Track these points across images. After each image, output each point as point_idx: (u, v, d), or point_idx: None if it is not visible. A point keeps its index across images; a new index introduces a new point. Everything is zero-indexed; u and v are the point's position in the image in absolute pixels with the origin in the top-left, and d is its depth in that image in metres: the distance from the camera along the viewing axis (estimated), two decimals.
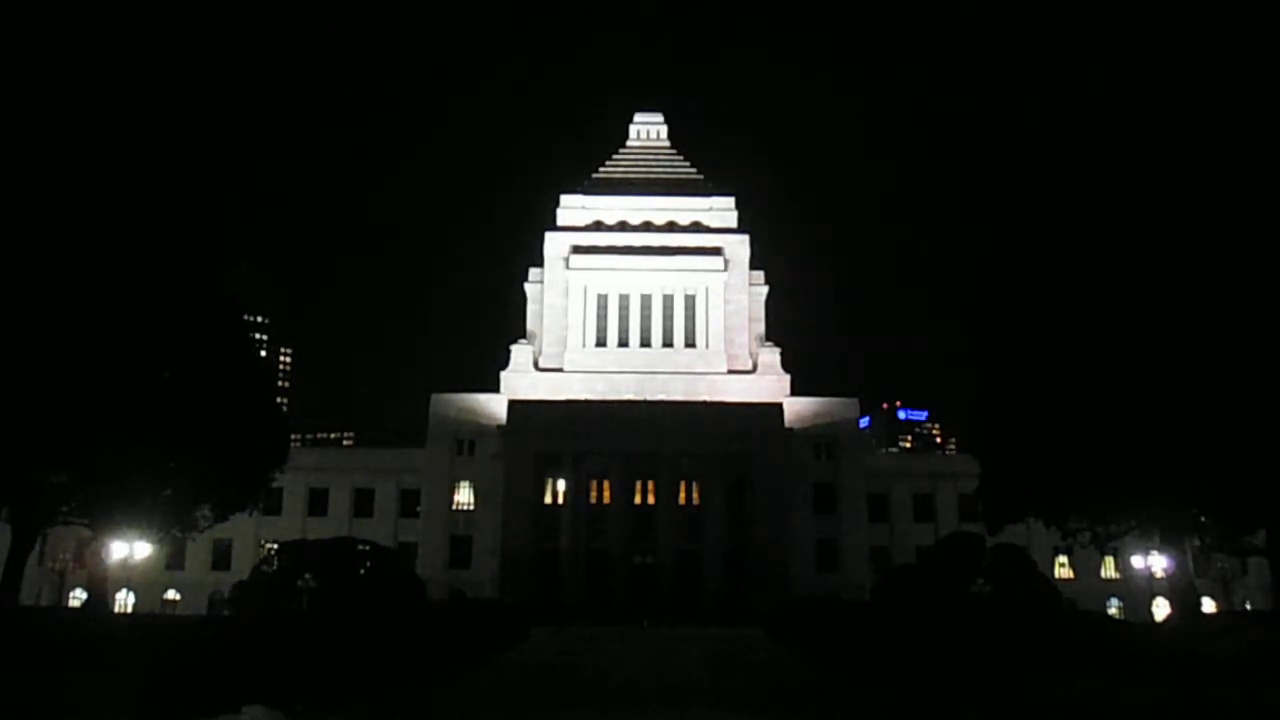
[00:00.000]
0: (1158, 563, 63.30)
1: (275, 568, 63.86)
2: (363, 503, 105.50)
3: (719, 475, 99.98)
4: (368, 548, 67.40)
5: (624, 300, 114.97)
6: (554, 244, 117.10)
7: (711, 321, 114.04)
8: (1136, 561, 69.91)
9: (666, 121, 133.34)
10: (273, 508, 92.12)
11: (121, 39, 50.46)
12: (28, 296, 42.99)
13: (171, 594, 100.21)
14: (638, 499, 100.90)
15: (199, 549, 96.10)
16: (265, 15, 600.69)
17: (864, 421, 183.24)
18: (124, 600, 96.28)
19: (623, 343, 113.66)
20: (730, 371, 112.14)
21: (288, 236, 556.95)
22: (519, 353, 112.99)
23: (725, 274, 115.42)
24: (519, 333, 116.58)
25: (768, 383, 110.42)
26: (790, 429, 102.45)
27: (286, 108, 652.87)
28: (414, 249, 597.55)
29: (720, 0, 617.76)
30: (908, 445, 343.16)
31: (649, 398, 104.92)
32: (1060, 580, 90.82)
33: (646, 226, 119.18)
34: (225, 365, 53.18)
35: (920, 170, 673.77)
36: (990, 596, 60.12)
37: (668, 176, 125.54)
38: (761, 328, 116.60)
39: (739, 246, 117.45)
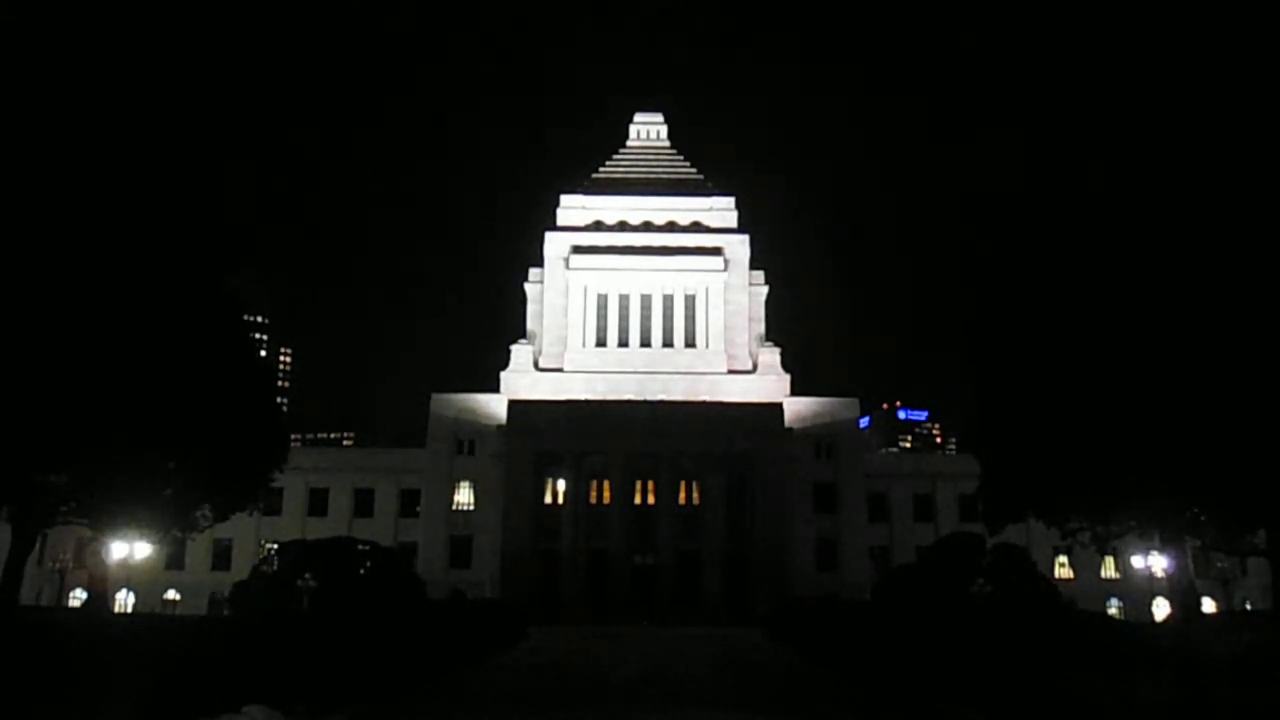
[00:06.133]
0: (1158, 563, 63.28)
1: (275, 568, 63.96)
2: (363, 503, 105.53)
3: (719, 475, 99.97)
4: (368, 548, 67.51)
5: (624, 300, 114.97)
6: (554, 244, 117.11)
7: (711, 321, 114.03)
8: (1136, 561, 69.93)
9: (666, 121, 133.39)
10: (273, 508, 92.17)
11: (124, 39, 50.43)
12: (27, 296, 42.98)
13: (171, 594, 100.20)
14: (638, 499, 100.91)
15: (199, 549, 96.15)
16: (268, 16, 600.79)
17: (864, 421, 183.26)
18: (124, 600, 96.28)
19: (623, 343, 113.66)
20: (730, 371, 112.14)
21: (288, 236, 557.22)
22: (519, 353, 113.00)
23: (725, 274, 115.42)
24: (519, 333, 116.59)
25: (768, 383, 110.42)
26: (790, 429, 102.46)
27: (288, 108, 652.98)
28: (414, 249, 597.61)
29: (721, 1, 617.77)
30: (908, 445, 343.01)
31: (649, 398, 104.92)
32: (1060, 580, 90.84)
33: (646, 226, 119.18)
34: (225, 365, 53.13)
35: (921, 170, 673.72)
36: (990, 596, 60.17)
37: (668, 176, 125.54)
38: (761, 328, 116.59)
39: (739, 246, 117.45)
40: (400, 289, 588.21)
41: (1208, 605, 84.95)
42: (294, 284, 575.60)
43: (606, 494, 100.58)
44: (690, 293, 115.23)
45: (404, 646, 34.85)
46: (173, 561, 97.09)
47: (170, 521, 56.93)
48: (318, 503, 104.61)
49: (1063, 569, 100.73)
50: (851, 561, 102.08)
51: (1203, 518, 54.18)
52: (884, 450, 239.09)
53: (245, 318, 70.01)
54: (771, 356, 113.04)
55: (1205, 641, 35.05)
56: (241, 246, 55.02)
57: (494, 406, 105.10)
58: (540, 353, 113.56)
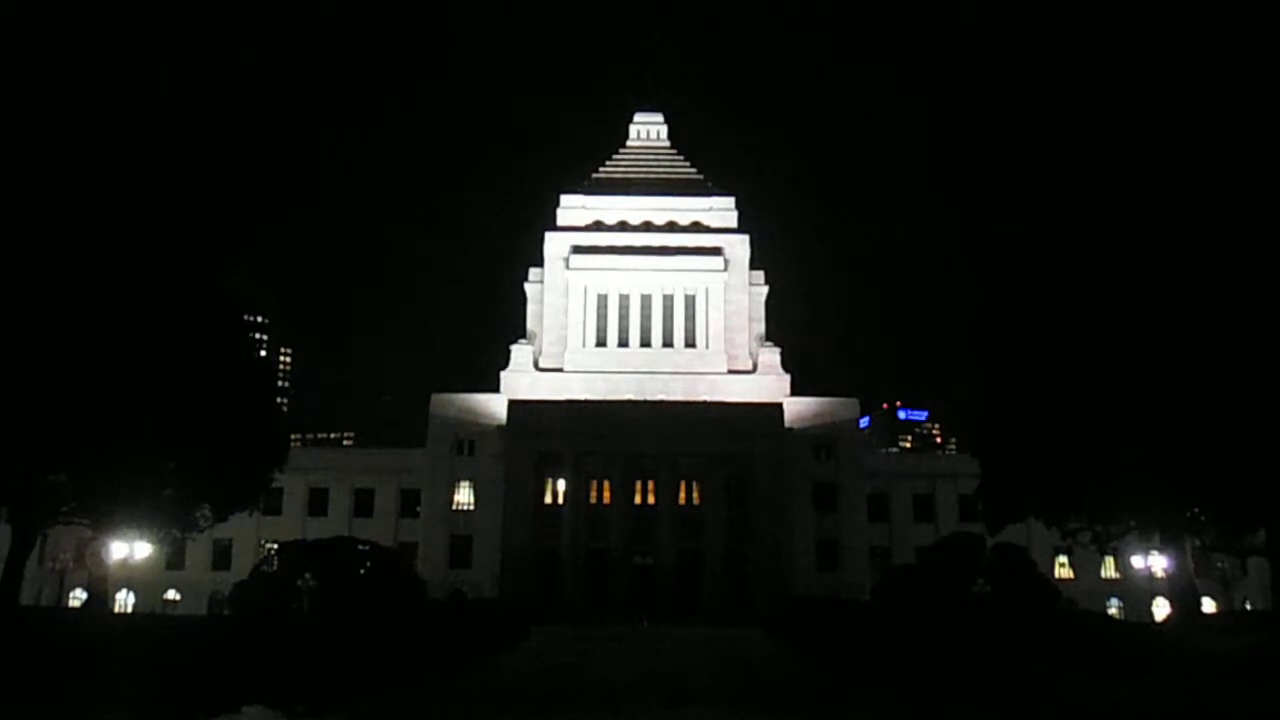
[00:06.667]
0: (1158, 563, 63.25)
1: (275, 568, 63.93)
2: (363, 503, 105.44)
3: (719, 475, 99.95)
4: (368, 548, 67.52)
5: (624, 300, 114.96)
6: (554, 244, 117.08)
7: (711, 321, 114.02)
8: (1136, 561, 69.85)
9: (666, 121, 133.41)
10: (273, 508, 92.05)
11: (122, 38, 50.45)
12: (28, 297, 42.99)
13: (171, 594, 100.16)
14: (638, 499, 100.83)
15: (199, 549, 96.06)
16: (266, 15, 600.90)
17: (864, 421, 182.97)
18: (124, 600, 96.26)
19: (623, 343, 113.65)
20: (730, 371, 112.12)
21: (288, 236, 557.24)
22: (519, 353, 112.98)
23: (725, 274, 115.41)
24: (519, 333, 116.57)
25: (768, 383, 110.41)
26: (790, 429, 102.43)
27: (287, 107, 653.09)
28: (414, 249, 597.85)
29: (721, 2, 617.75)
30: (908, 445, 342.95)
31: (649, 398, 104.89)
32: (1060, 580, 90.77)
33: (646, 226, 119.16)
34: (225, 365, 53.16)
35: (921, 169, 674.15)
36: (990, 596, 60.17)
37: (668, 176, 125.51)
38: (761, 328, 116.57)
39: (739, 246, 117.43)
40: (400, 289, 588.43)
41: (1208, 605, 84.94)
42: (294, 284, 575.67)
43: (606, 494, 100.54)
44: (690, 293, 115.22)
45: (404, 646, 34.86)
46: (173, 561, 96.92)
47: (170, 521, 56.96)
48: (318, 503, 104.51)
49: (1063, 569, 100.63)
50: (851, 561, 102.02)
51: (1203, 518, 54.20)
52: (884, 450, 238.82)
53: (245, 318, 70.02)
54: (771, 356, 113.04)
55: (1205, 641, 35.08)
56: (240, 246, 55.03)
57: (494, 406, 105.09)
58: (540, 353, 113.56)
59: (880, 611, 49.33)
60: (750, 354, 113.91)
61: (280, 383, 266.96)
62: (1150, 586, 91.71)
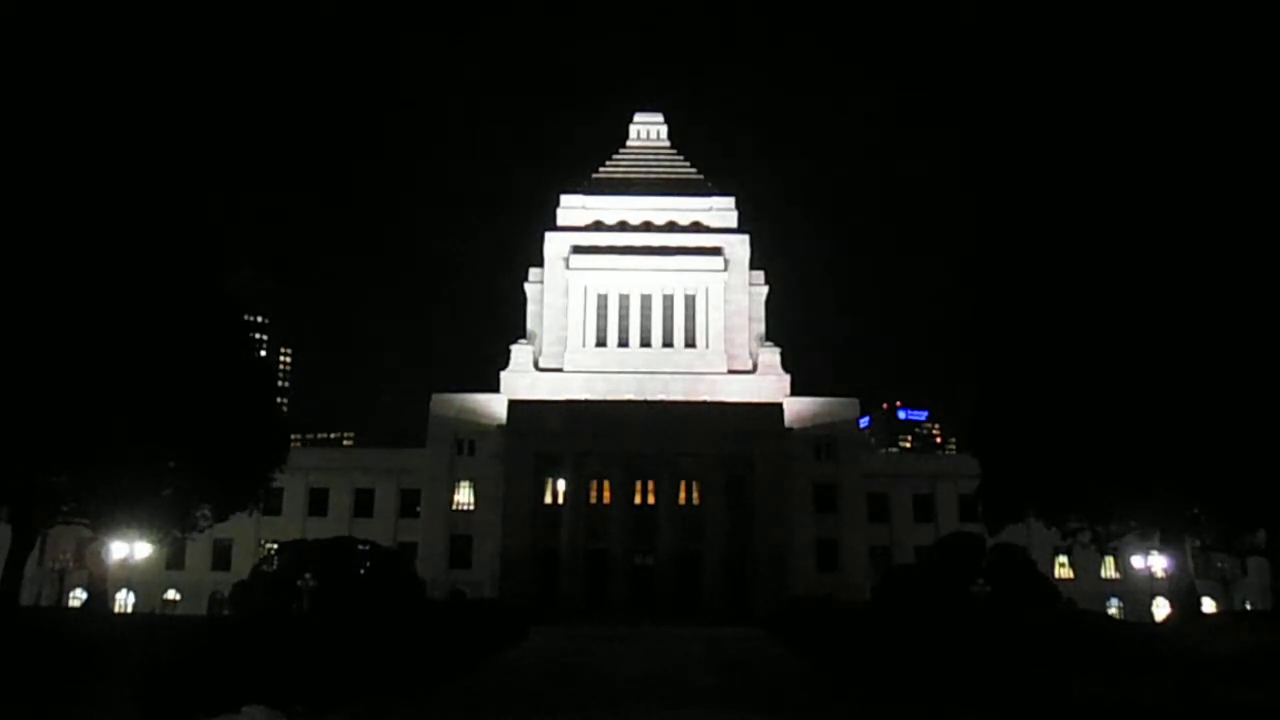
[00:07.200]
0: (1158, 563, 63.30)
1: (275, 568, 64.04)
2: (363, 503, 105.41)
3: (719, 475, 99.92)
4: (368, 548, 67.62)
5: (624, 300, 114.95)
6: (554, 244, 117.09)
7: (711, 321, 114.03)
8: (1136, 561, 69.91)
9: (666, 121, 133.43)
10: (273, 508, 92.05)
11: (122, 40, 50.49)
12: (28, 298, 42.99)
13: (171, 594, 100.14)
14: (638, 499, 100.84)
15: (199, 549, 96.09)
16: (267, 16, 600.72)
17: (864, 421, 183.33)
18: (124, 600, 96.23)
19: (623, 343, 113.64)
20: (730, 371, 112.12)
21: (288, 236, 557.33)
22: (519, 353, 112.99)
23: (725, 274, 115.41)
24: (519, 333, 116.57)
25: (768, 383, 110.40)
26: (790, 429, 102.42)
27: (287, 108, 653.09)
28: (414, 249, 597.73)
29: (721, 1, 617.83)
30: (908, 445, 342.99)
31: (649, 398, 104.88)
32: (1060, 580, 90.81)
33: (646, 226, 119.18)
34: (225, 365, 53.17)
35: (921, 170, 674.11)
36: (990, 596, 60.20)
37: (668, 176, 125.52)
38: (761, 328, 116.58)
39: (739, 246, 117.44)
40: (400, 288, 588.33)
41: (1208, 605, 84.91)
42: (294, 284, 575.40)
43: (606, 494, 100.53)
44: (690, 293, 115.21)
45: (404, 646, 34.85)
46: (173, 561, 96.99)
47: (170, 521, 56.96)
48: (318, 503, 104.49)
49: (1063, 569, 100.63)
50: (851, 561, 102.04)
51: (1203, 518, 54.20)
52: (884, 450, 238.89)
53: (245, 318, 70.03)
54: (771, 356, 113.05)
55: (1205, 641, 35.08)
56: (240, 247, 55.18)
57: (494, 406, 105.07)
58: (540, 353, 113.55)
59: (880, 612, 49.36)
60: (750, 354, 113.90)
61: (280, 383, 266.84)
62: (1150, 586, 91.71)
